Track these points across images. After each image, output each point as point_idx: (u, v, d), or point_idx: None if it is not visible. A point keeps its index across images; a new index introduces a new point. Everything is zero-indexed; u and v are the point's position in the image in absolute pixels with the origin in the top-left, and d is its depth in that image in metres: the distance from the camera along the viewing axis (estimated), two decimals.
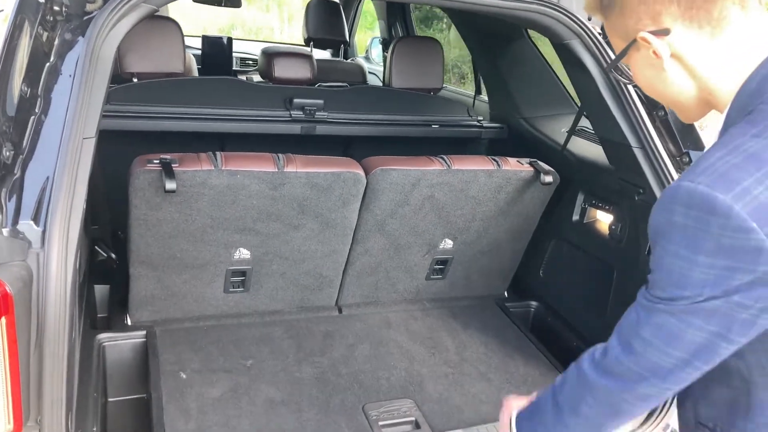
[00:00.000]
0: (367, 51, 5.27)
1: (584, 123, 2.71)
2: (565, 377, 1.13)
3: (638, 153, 1.97)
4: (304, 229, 2.06)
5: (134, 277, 2.01)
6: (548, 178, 2.16)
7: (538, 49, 2.85)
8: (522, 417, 1.21)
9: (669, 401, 1.94)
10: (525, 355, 2.22)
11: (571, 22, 1.97)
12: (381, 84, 4.34)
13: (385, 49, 4.28)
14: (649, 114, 1.97)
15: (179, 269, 2.03)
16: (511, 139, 2.87)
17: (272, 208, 1.97)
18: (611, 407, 1.06)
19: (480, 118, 2.91)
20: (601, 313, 2.21)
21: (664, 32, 0.97)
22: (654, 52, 0.99)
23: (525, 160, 2.23)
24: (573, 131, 2.43)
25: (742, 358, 0.98)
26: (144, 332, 2.08)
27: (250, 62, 4.96)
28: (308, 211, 2.01)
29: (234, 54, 4.72)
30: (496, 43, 2.86)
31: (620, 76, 1.17)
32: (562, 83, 2.84)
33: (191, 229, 1.94)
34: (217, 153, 1.87)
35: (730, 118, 0.99)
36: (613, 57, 1.51)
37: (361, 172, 1.99)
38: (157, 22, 2.53)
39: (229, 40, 4.58)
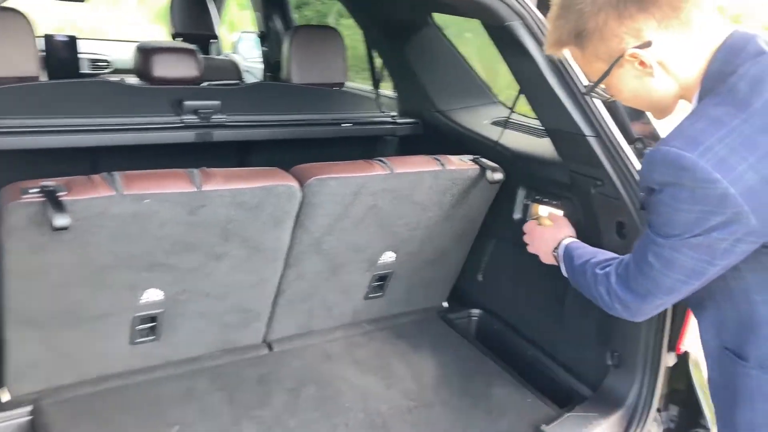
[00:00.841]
0: (234, 47, 4.84)
1: (508, 114, 2.55)
2: (595, 272, 1.47)
3: (594, 142, 1.81)
4: (228, 258, 1.69)
5: (11, 342, 1.54)
6: (497, 176, 1.96)
7: (446, 37, 2.65)
8: (570, 250, 1.65)
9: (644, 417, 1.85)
10: (485, 373, 2.01)
11: (514, 1, 1.77)
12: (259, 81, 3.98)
13: (263, 43, 3.90)
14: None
15: (72, 324, 1.60)
16: (426, 134, 2.65)
17: (190, 236, 1.59)
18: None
19: (393, 113, 2.66)
20: (558, 316, 2.06)
21: (647, 44, 1.15)
22: (641, 63, 1.17)
23: (467, 157, 2.01)
24: (506, 124, 2.25)
25: (743, 279, 1.19)
26: (29, 408, 1.62)
27: (102, 64, 4.36)
28: (233, 236, 1.65)
29: (81, 55, 4.11)
30: (399, 31, 2.62)
31: (598, 96, 1.32)
32: (475, 72, 2.66)
33: (87, 273, 1.52)
34: (115, 174, 1.47)
35: (700, 99, 1.17)
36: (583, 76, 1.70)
37: (296, 185, 1.66)
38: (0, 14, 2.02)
39: (73, 39, 3.97)
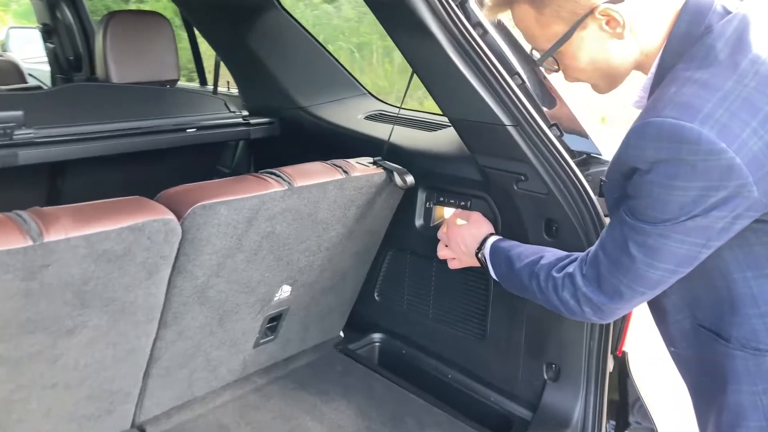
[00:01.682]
0: (2, 46, 3.99)
1: (383, 107, 2.26)
2: (549, 275, 1.30)
3: (515, 133, 1.58)
4: (84, 330, 1.20)
5: None
6: (408, 179, 1.66)
7: (297, 21, 2.29)
8: (501, 249, 1.47)
9: None
10: (412, 411, 1.70)
11: None
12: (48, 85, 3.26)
13: (47, 38, 3.18)
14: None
15: None
16: (285, 136, 2.27)
17: (28, 312, 1.08)
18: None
19: (244, 113, 2.23)
20: (479, 329, 1.82)
21: None
22: (608, 23, 1.07)
23: (365, 160, 1.68)
24: (396, 120, 1.96)
25: (720, 257, 1.07)
26: None
27: None
28: (92, 300, 1.16)
29: None
30: (238, 17, 2.20)
31: (547, 67, 1.21)
32: (337, 60, 2.33)
33: None
34: None
35: (664, 65, 1.08)
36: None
37: (173, 218, 1.21)
38: None
39: None
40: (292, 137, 2.23)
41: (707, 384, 1.22)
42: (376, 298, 2.04)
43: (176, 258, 1.27)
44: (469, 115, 1.63)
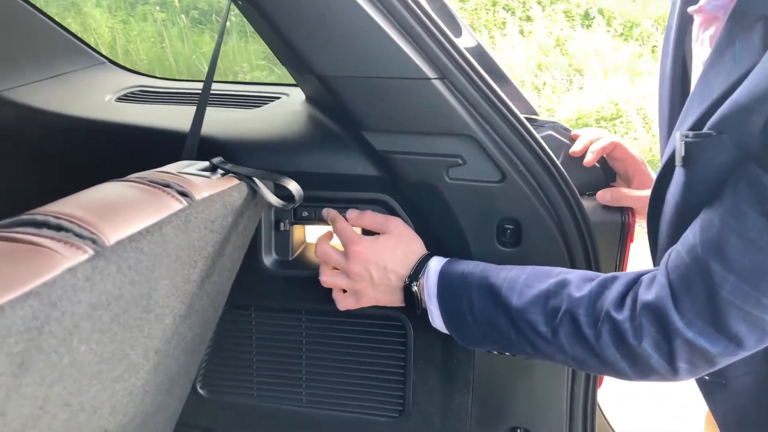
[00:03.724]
0: None
1: (144, 80, 1.43)
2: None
3: (443, 89, 0.97)
4: None
5: None
6: (292, 186, 0.92)
7: None
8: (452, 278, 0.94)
9: None
10: None
11: None
12: None
13: None
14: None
15: None
16: None
17: None
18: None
19: None
20: (392, 406, 1.18)
21: None
22: None
23: (190, 166, 0.89)
24: (208, 99, 1.16)
25: None
26: None
27: None
28: None
29: None
30: None
31: None
32: (48, 17, 1.38)
33: None
34: None
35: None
36: None
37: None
38: None
39: None
40: None
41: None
42: (201, 392, 1.24)
43: None
44: (361, 68, 0.97)
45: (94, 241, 0.59)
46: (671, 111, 0.92)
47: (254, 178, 0.89)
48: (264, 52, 6.75)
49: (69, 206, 0.64)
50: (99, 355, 0.64)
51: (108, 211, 0.65)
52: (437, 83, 0.96)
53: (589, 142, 1.11)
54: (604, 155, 1.13)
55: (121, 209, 0.67)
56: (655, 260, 0.91)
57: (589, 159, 1.10)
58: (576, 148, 1.12)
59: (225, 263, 0.92)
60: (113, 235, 0.62)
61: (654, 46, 7.45)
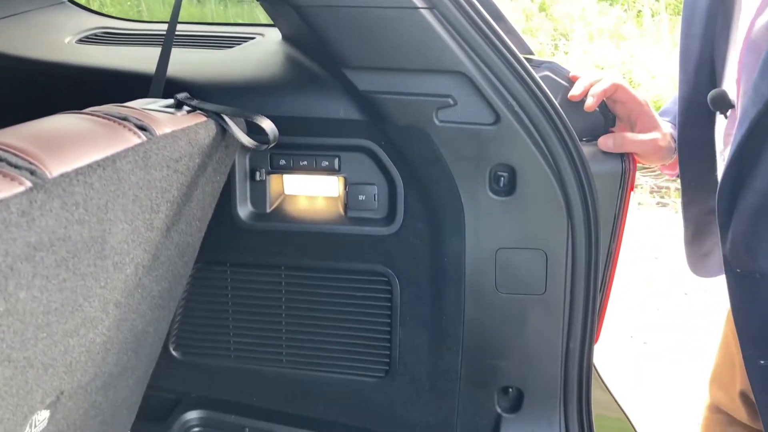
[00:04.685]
0: None
1: (104, 21, 1.33)
2: None
3: (432, 20, 0.88)
4: None
5: None
6: (266, 125, 0.84)
7: None
8: None
9: None
10: None
11: None
12: None
13: None
14: None
15: None
16: None
17: None
18: None
19: None
20: (377, 366, 1.11)
21: None
22: None
23: (154, 103, 0.80)
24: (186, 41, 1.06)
25: None
26: None
27: None
28: None
29: None
30: None
31: None
32: None
33: None
34: None
35: None
36: None
37: None
38: None
39: None
40: None
41: None
42: (174, 353, 1.17)
43: None
44: None
45: (32, 173, 0.51)
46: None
47: (223, 116, 0.81)
48: (244, 17, 6.55)
49: (6, 136, 0.55)
50: (45, 305, 0.57)
51: (53, 142, 0.57)
52: (426, 13, 0.88)
53: (589, 85, 1.04)
54: (605, 98, 1.06)
55: (69, 141, 0.58)
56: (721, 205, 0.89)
57: (590, 103, 1.03)
58: (575, 92, 1.04)
59: (193, 211, 0.84)
60: (57, 167, 0.53)
61: (639, 11, 7.35)
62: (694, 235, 1.11)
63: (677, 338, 2.90)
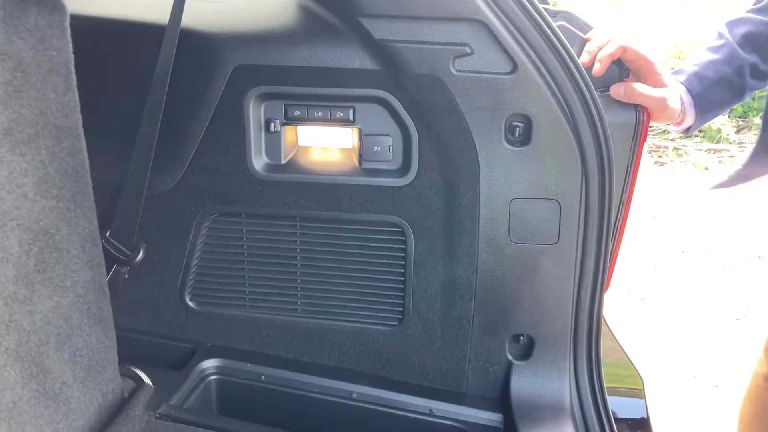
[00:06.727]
0: None
1: None
2: None
3: None
4: None
5: None
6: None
7: None
8: None
9: None
10: None
11: None
12: None
13: None
14: None
15: None
16: None
17: None
18: None
19: None
20: (391, 315, 1.13)
21: None
22: None
23: None
24: None
25: None
26: None
27: None
28: None
29: None
30: None
31: None
32: None
33: None
34: None
35: None
36: None
37: None
38: None
39: None
40: None
41: None
42: (190, 304, 1.18)
43: None
44: None
45: None
46: None
47: None
48: None
49: None
50: None
51: None
52: None
53: (597, 50, 1.04)
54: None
55: None
56: None
57: (597, 69, 1.03)
58: (584, 59, 1.05)
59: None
60: None
61: None
62: None
63: (674, 294, 2.94)
